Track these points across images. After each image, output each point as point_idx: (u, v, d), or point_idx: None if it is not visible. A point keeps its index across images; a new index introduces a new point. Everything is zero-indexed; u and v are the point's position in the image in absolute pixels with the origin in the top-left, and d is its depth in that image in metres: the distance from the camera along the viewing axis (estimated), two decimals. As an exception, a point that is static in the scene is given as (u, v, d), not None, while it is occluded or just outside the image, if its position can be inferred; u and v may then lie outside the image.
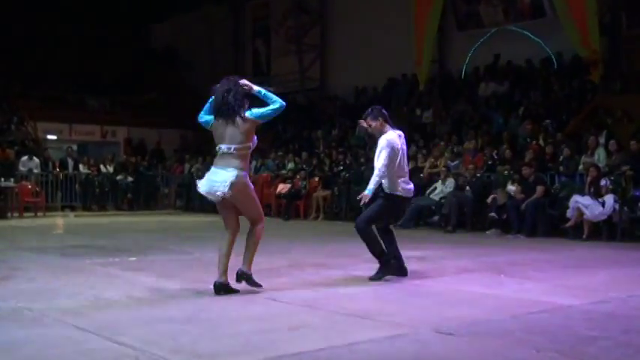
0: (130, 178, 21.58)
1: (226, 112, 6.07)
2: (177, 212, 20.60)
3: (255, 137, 6.24)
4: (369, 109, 7.28)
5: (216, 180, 5.98)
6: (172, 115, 26.75)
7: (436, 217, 14.57)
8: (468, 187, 14.36)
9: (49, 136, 25.20)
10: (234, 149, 6.01)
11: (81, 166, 21.47)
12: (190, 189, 20.15)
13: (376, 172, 6.98)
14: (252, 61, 29.31)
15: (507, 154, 15.31)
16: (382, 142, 7.07)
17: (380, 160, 6.99)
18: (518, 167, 13.96)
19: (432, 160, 16.48)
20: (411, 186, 7.26)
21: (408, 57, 20.88)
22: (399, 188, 7.12)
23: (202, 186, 6.05)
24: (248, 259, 6.24)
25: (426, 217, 15.09)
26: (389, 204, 7.15)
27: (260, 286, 6.24)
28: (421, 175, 16.17)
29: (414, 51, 20.66)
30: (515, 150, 15.69)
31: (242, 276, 6.21)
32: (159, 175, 23.18)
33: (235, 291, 6.11)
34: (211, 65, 28.73)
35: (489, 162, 15.52)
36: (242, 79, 6.32)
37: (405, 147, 7.26)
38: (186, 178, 21.87)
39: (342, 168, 18.35)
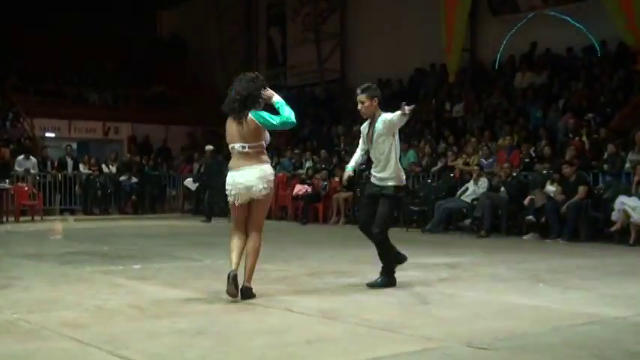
0: (134, 179, 21.71)
1: (235, 110, 6.30)
2: (186, 216, 20.70)
3: (268, 134, 6.40)
4: (366, 85, 7.00)
5: (250, 178, 6.25)
6: (180, 110, 26.89)
7: (468, 221, 14.53)
8: (502, 188, 14.30)
9: (47, 134, 25.40)
10: (249, 147, 6.27)
11: (81, 166, 21.62)
12: (199, 191, 20.22)
13: (392, 161, 6.82)
14: (266, 51, 29.39)
15: (546, 152, 15.22)
16: (387, 122, 6.78)
17: (390, 145, 6.82)
18: (558, 166, 13.88)
19: (464, 158, 16.43)
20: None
21: (437, 45, 20.81)
22: (404, 178, 7.08)
23: (234, 185, 6.30)
24: (250, 270, 6.38)
25: (456, 220, 15.05)
26: (397, 200, 7.09)
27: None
28: (451, 174, 16.14)
29: (443, 38, 20.57)
30: (555, 147, 15.60)
31: (247, 292, 6.31)
32: (165, 175, 23.30)
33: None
34: (222, 56, 28.85)
35: (526, 160, 15.44)
36: (259, 75, 6.45)
37: None
38: (195, 179, 21.97)
39: (364, 167, 18.27)
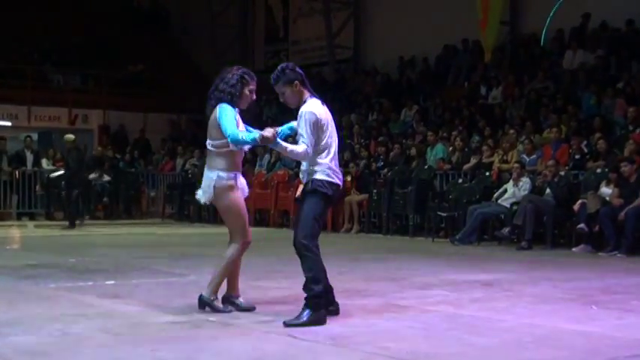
0: (106, 178, 21.76)
1: (209, 101, 6.79)
2: (167, 222, 20.75)
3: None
4: (275, 72, 6.74)
5: (202, 183, 6.81)
6: (162, 94, 26.95)
7: (506, 229, 14.50)
8: (548, 190, 14.28)
9: (2, 123, 25.47)
10: (212, 145, 6.75)
11: (43, 162, 21.67)
12: (184, 191, 20.27)
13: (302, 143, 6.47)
14: (264, 25, 29.42)
15: (601, 146, 15.19)
16: (306, 114, 6.54)
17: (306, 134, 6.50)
18: (615, 163, 13.85)
19: (501, 153, 16.41)
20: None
21: (470, 18, 20.80)
22: (332, 174, 6.65)
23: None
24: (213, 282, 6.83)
25: (492, 228, 15.03)
26: (326, 199, 6.72)
27: (228, 311, 6.76)
28: (487, 173, 16.12)
29: (478, 9, 20.57)
30: (611, 141, 15.56)
31: (201, 301, 6.80)
32: (143, 173, 23.35)
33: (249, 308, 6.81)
34: (211, 29, 28.86)
35: (577, 156, 15.41)
36: (248, 71, 6.86)
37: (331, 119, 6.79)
38: (179, 178, 21.99)
39: (382, 164, 18.34)
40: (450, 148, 17.74)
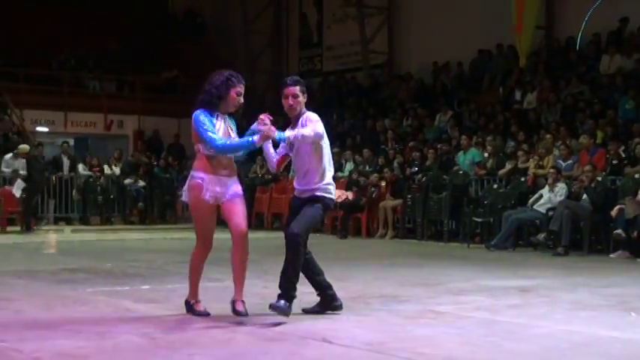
0: (141, 183, 21.91)
1: None
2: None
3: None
4: (292, 79, 7.09)
5: None
6: (196, 100, 27.05)
7: (542, 235, 14.43)
8: (585, 196, 14.19)
9: (39, 128, 25.71)
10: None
11: (80, 167, 21.85)
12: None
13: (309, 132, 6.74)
14: (298, 30, 29.46)
15: (639, 151, 15.07)
16: (314, 116, 6.92)
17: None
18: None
19: (537, 159, 16.32)
20: None
21: (505, 22, 20.71)
22: (332, 189, 7.12)
23: None
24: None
25: (528, 234, 14.95)
26: (324, 211, 7.17)
27: (206, 314, 6.87)
28: (522, 179, 16.04)
29: (513, 14, 20.48)
30: (650, 146, 15.43)
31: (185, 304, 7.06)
32: (178, 178, 23.46)
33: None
34: (246, 35, 28.97)
35: (614, 162, 15.30)
36: (236, 73, 6.86)
37: None
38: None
39: (416, 170, 18.30)
40: (486, 154, 17.66)
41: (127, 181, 21.86)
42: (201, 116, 6.65)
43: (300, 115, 6.90)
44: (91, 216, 21.43)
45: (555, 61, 21.39)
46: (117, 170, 22.33)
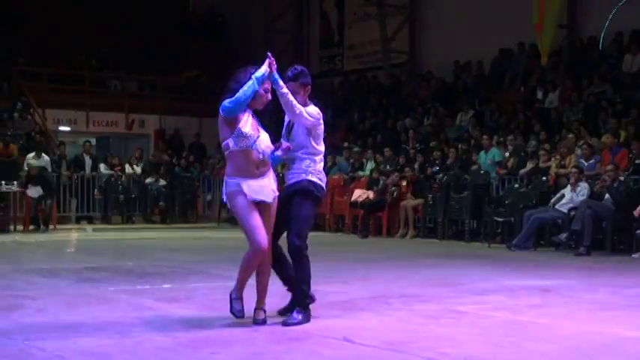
0: (162, 182, 21.98)
1: None
2: (223, 226, 20.86)
3: (230, 140, 6.45)
4: (296, 68, 6.87)
5: None
6: (217, 99, 27.01)
7: (564, 235, 14.37)
8: (607, 195, 14.12)
9: (61, 128, 25.87)
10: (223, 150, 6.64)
11: (101, 166, 21.95)
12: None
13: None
14: (319, 29, 29.49)
15: (661, 151, 15.02)
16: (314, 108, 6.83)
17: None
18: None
19: (559, 158, 16.26)
20: None
21: (526, 21, 20.64)
22: (322, 178, 6.93)
23: None
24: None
25: (550, 234, 14.89)
26: (317, 202, 6.97)
27: (240, 316, 6.58)
28: (544, 178, 15.98)
29: (535, 12, 20.40)
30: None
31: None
32: (199, 177, 23.53)
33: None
34: (267, 35, 29.01)
35: (637, 161, 15.23)
36: (245, 71, 6.59)
37: None
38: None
39: (438, 169, 18.28)
40: (507, 154, 17.61)
41: (148, 180, 21.93)
42: (225, 102, 6.45)
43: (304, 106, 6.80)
44: (112, 215, 21.53)
45: (577, 60, 21.30)
46: (138, 169, 22.41)
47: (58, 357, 5.35)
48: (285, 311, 6.86)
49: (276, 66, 6.55)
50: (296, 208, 6.72)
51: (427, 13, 25.95)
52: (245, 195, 6.44)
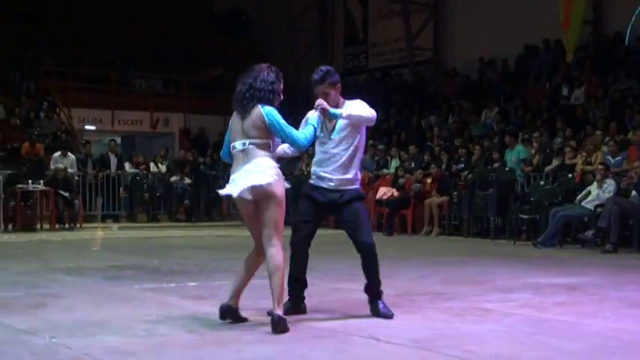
0: (187, 180, 22.05)
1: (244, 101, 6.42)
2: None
3: (270, 141, 6.35)
4: (321, 70, 6.82)
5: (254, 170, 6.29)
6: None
7: (590, 232, 14.31)
8: (634, 192, 14.04)
9: (87, 127, 26.04)
10: (254, 144, 6.32)
11: (127, 165, 22.06)
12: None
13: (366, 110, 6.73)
14: (343, 27, 29.46)
15: (689, 147, 14.90)
16: (360, 102, 6.89)
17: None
18: None
19: (585, 155, 16.17)
20: None
21: (551, 17, 20.54)
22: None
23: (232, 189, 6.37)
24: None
25: (575, 231, 14.83)
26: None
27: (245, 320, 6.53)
28: (570, 175, 15.90)
29: (560, 9, 20.30)
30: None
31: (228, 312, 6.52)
32: (224, 175, 23.57)
33: (244, 319, 6.50)
34: (291, 33, 29.03)
35: (664, 158, 15.12)
36: (268, 69, 6.48)
37: None
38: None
39: (463, 166, 18.23)
40: (532, 151, 17.54)
41: (173, 178, 22.01)
42: (276, 114, 6.31)
43: (337, 106, 6.74)
44: (137, 213, 21.65)
45: (603, 56, 21.19)
46: (163, 168, 22.51)
47: (85, 355, 5.38)
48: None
49: (325, 106, 6.53)
50: (359, 214, 6.85)
51: (451, 10, 25.89)
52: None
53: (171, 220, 21.68)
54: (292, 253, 6.89)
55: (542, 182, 16.41)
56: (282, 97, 6.50)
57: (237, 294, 6.54)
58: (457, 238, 16.70)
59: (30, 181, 18.25)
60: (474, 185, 16.95)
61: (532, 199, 15.91)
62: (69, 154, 20.57)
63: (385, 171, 19.87)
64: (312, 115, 6.58)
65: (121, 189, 21.45)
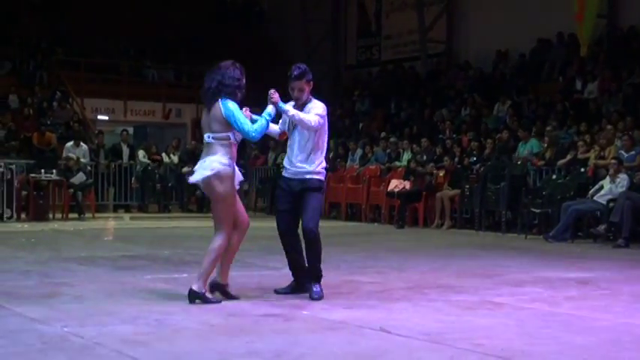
0: (199, 171, 22.03)
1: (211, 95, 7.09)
2: (260, 215, 20.92)
3: (230, 134, 7.01)
4: (300, 67, 7.48)
5: (202, 164, 7.05)
6: (254, 89, 27.17)
7: (602, 227, 14.27)
8: (647, 187, 14.00)
9: (100, 117, 26.10)
10: (214, 138, 7.00)
11: (140, 154, 22.08)
12: (276, 185, 20.39)
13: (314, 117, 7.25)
14: (357, 19, 29.44)
15: (702, 142, 14.85)
16: (321, 105, 7.47)
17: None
18: None
19: (598, 149, 16.13)
20: None
21: (565, 10, 20.47)
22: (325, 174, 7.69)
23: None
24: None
25: (588, 226, 14.79)
26: (324, 194, 7.79)
27: (217, 301, 6.99)
28: (582, 169, 15.86)
29: (574, 2, 20.24)
30: None
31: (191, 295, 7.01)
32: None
33: (233, 297, 7.15)
34: (304, 24, 29.01)
35: (678, 152, 15.08)
36: (234, 66, 7.14)
37: None
38: (271, 172, 22.18)
39: (475, 159, 18.20)
40: (544, 144, 17.49)
41: (185, 169, 22.00)
42: (233, 106, 6.90)
43: (306, 103, 7.43)
44: (149, 204, 21.69)
45: (617, 50, 21.11)
46: (175, 159, 22.53)
47: (96, 344, 5.41)
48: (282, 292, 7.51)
49: (276, 99, 7.16)
50: (310, 202, 7.36)
51: (465, 3, 25.84)
52: (236, 180, 7.13)
53: (182, 210, 21.70)
54: (284, 250, 7.57)
55: (554, 176, 16.37)
56: (244, 92, 7.12)
57: (223, 270, 7.21)
58: (468, 231, 16.68)
59: (42, 171, 18.29)
60: (485, 178, 16.92)
61: (544, 192, 15.88)
62: (81, 144, 20.59)
63: (397, 163, 19.85)
64: (267, 108, 7.17)
65: (133, 179, 21.47)
